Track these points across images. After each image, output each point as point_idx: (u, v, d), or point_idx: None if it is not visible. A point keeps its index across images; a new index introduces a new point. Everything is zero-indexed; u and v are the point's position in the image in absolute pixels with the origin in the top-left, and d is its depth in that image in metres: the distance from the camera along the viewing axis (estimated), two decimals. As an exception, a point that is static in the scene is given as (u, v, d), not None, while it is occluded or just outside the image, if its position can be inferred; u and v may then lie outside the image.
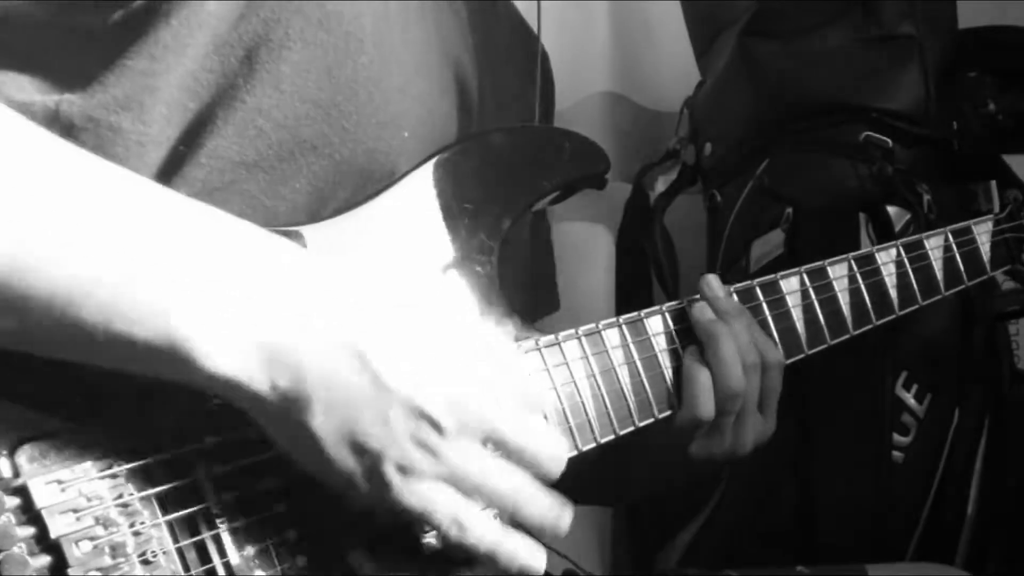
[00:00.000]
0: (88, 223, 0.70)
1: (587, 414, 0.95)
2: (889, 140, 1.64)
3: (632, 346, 0.99)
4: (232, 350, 0.71)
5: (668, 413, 1.01)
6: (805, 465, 1.64)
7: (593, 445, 0.96)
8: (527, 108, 1.18)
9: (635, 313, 1.01)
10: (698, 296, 1.05)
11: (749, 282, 1.09)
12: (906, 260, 1.22)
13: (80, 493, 0.73)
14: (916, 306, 1.23)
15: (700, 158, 1.85)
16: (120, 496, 0.74)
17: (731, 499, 1.74)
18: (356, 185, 0.88)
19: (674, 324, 1.03)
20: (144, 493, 0.75)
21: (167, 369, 0.71)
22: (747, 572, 1.40)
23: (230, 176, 0.83)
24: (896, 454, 1.62)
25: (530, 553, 0.79)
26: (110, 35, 0.80)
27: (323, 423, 0.73)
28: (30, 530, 0.71)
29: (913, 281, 1.22)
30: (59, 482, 0.72)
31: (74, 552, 0.71)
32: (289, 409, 0.73)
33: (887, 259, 1.21)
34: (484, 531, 0.76)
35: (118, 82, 0.80)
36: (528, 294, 1.17)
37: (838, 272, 1.15)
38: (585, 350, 0.96)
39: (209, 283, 0.71)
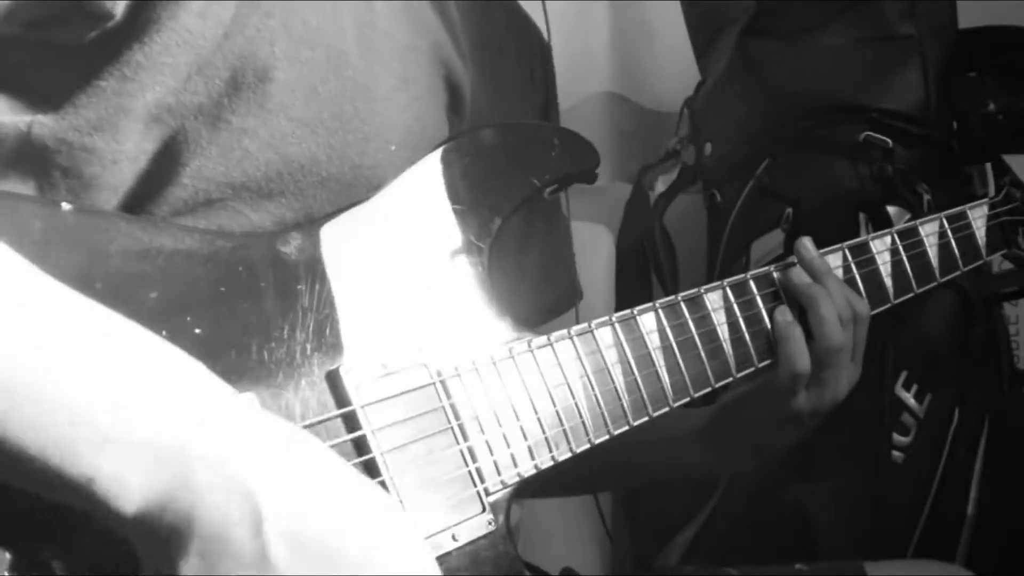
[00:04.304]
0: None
1: (581, 416, 0.94)
2: (889, 140, 1.64)
3: (625, 344, 0.97)
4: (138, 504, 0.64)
5: (664, 410, 1.00)
6: (805, 465, 1.64)
7: (587, 447, 0.94)
8: (527, 104, 1.16)
9: (627, 311, 0.99)
10: (792, 260, 1.09)
11: (742, 275, 1.08)
12: (901, 248, 1.20)
13: None
14: (911, 294, 1.21)
15: (700, 158, 1.85)
16: None
17: (731, 499, 1.74)
18: (341, 201, 0.86)
19: (668, 321, 1.02)
20: None
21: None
22: (747, 571, 1.40)
23: (217, 195, 0.81)
24: (896, 454, 1.62)
25: None
26: (83, 54, 0.77)
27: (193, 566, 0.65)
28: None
29: (908, 269, 1.20)
30: None
31: None
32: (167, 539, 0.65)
33: (882, 247, 1.19)
34: None
35: (90, 103, 0.78)
36: (550, 288, 1.18)
37: (833, 263, 1.14)
38: (578, 350, 0.94)
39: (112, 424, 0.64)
